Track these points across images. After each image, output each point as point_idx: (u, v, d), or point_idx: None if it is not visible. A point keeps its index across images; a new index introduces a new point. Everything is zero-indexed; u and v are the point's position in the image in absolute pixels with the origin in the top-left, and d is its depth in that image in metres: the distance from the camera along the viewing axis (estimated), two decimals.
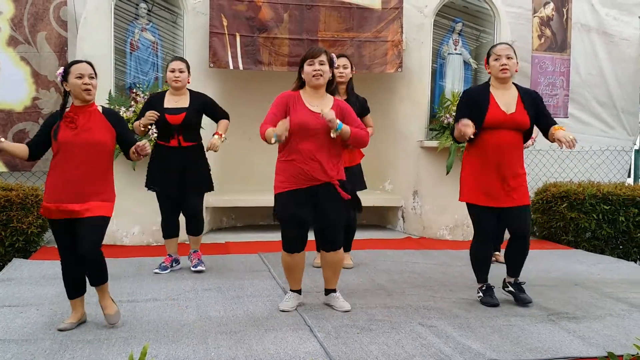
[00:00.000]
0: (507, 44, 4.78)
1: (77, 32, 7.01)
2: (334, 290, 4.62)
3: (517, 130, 4.59)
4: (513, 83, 4.71)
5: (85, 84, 3.93)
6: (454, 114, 7.20)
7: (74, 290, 4.09)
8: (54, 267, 5.63)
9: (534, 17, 8.19)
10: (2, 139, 3.84)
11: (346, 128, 4.26)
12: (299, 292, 4.61)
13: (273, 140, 4.16)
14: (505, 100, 4.60)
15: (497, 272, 5.15)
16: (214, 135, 5.50)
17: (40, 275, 5.38)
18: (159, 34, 7.13)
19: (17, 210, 6.21)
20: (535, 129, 4.75)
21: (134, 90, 6.80)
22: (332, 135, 4.25)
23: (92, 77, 3.97)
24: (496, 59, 4.60)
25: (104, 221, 3.97)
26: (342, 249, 4.51)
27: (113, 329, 4.01)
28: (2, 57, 7.20)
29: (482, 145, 4.60)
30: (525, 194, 4.64)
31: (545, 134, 4.64)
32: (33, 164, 7.31)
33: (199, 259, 5.68)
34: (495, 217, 4.66)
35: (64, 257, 4.04)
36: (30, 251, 6.41)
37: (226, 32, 7.05)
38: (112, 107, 6.62)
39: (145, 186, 5.57)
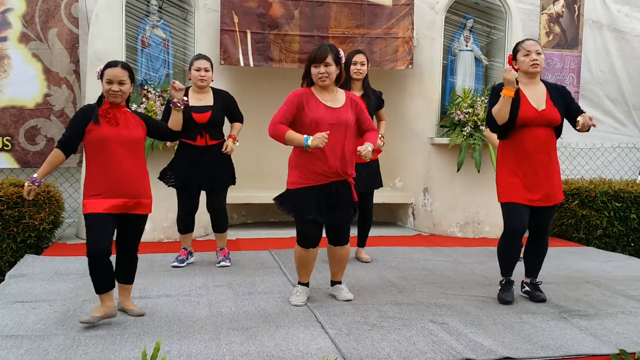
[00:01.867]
0: (534, 40, 4.72)
1: (89, 29, 7.03)
2: (339, 282, 4.74)
3: (549, 127, 4.54)
4: (541, 79, 4.66)
5: (113, 90, 4.00)
6: (465, 110, 7.21)
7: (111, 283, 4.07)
8: (66, 263, 5.67)
9: (542, 14, 8.17)
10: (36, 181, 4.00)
11: (371, 146, 4.31)
12: (307, 285, 4.67)
13: (305, 147, 4.24)
14: (535, 96, 4.54)
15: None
16: (228, 138, 5.60)
17: (52, 272, 5.41)
18: (170, 31, 7.14)
19: (29, 207, 6.23)
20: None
21: (145, 87, 6.82)
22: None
23: (123, 83, 4.02)
24: (526, 54, 4.53)
25: (146, 219, 4.29)
26: (349, 243, 4.60)
27: (126, 325, 4.02)
28: (14, 54, 7.23)
29: (517, 144, 4.54)
30: (559, 193, 4.67)
31: (574, 125, 4.55)
32: (44, 160, 7.34)
33: (225, 256, 5.79)
34: (528, 214, 4.61)
35: (93, 248, 3.96)
36: (42, 247, 6.44)
37: (237, 29, 7.05)
38: None
39: (161, 179, 5.58)
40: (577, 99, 8.51)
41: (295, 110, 4.35)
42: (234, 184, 5.77)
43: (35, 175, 3.99)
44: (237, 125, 5.72)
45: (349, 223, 4.55)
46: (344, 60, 4.43)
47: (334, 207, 4.39)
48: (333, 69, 4.34)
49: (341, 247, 4.57)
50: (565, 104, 4.58)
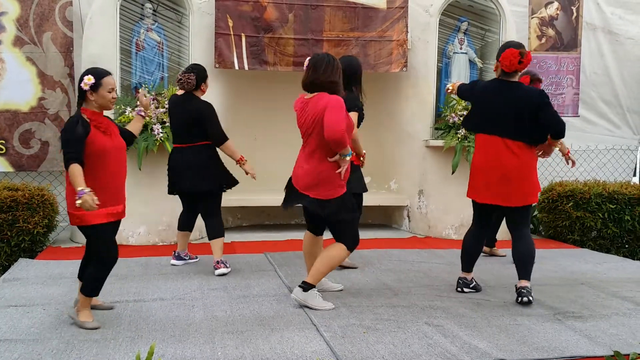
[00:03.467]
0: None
1: (83, 33, 7.02)
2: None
3: None
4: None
5: (114, 97, 4.08)
6: (459, 113, 7.23)
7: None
8: (59, 267, 5.65)
9: (533, 17, 8.21)
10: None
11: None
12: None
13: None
14: None
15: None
16: None
17: (46, 275, 5.40)
18: (164, 34, 7.14)
19: (23, 210, 6.22)
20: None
21: (140, 90, 6.81)
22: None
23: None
24: None
25: None
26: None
27: (120, 329, 4.01)
28: (8, 58, 7.22)
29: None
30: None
31: None
32: (39, 164, 7.34)
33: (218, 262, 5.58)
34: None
35: (111, 255, 4.12)
36: (36, 251, 6.42)
37: (232, 32, 7.05)
38: (117, 107, 6.64)
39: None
40: (576, 101, 8.53)
41: None
42: (204, 188, 5.54)
43: (80, 188, 3.69)
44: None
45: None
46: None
47: None
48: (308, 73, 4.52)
49: None
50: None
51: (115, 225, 4.13)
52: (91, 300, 4.15)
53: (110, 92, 4.05)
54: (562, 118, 4.69)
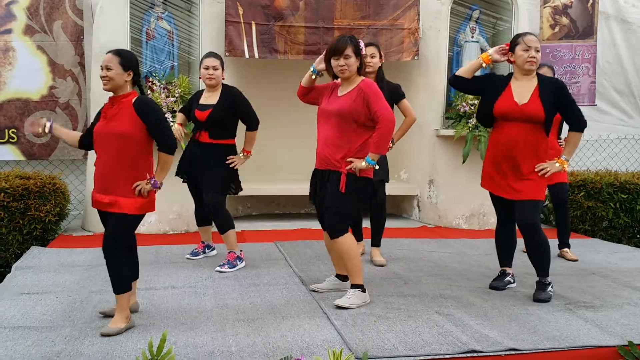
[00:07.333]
0: (536, 35, 4.66)
1: (93, 21, 7.03)
2: (346, 278, 4.61)
3: (531, 122, 4.42)
4: (537, 74, 4.57)
5: (101, 76, 3.83)
6: (470, 102, 7.18)
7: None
8: (72, 255, 5.69)
9: (545, 7, 8.16)
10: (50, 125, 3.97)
11: (373, 156, 4.18)
12: (341, 278, 4.67)
13: (312, 74, 4.43)
14: (522, 90, 4.48)
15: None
16: (241, 151, 5.40)
17: (58, 263, 5.43)
18: (174, 23, 7.13)
19: (35, 199, 6.24)
20: None
21: (150, 79, 6.81)
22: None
23: (109, 69, 3.78)
24: (526, 50, 4.44)
25: (125, 219, 3.79)
26: (341, 240, 4.27)
27: (132, 317, 4.02)
28: (19, 46, 7.24)
29: (496, 137, 4.59)
30: (528, 191, 4.43)
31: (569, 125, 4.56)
32: (50, 152, 7.38)
33: (228, 260, 5.35)
34: (505, 203, 4.64)
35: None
36: (48, 239, 6.45)
37: (242, 20, 7.03)
38: None
39: (176, 174, 5.48)
40: (593, 90, 8.46)
41: (319, 91, 4.47)
42: (229, 192, 5.40)
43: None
44: (248, 135, 5.42)
45: (333, 213, 4.26)
46: (364, 52, 4.31)
47: (322, 194, 4.35)
48: (352, 61, 4.21)
49: (333, 241, 4.31)
50: (556, 100, 4.43)
51: (103, 215, 3.89)
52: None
53: (102, 70, 3.84)
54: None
